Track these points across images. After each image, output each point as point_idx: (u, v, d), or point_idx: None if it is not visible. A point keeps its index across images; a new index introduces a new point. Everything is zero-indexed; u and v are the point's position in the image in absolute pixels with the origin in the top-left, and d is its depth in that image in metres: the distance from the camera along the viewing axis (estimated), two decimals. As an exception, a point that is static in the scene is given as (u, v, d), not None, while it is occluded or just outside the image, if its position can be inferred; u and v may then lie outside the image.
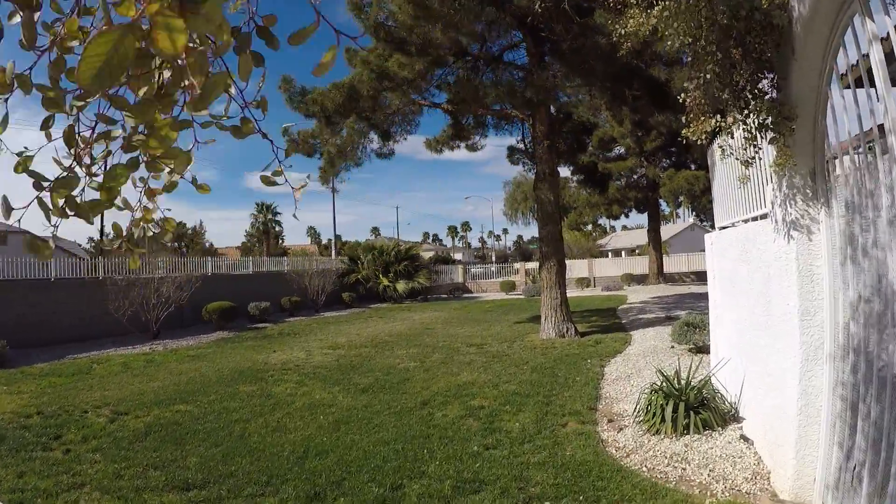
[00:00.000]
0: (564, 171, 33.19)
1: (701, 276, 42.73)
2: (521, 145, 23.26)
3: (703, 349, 13.09)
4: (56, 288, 23.08)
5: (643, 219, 44.87)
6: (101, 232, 59.10)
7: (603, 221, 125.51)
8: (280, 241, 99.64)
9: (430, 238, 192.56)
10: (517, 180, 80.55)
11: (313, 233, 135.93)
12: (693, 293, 32.48)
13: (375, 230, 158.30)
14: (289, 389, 12.01)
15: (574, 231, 65.32)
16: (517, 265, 50.49)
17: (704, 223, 44.83)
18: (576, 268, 46.13)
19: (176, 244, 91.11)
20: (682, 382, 8.16)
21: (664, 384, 8.24)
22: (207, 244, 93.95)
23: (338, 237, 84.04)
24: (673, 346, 14.34)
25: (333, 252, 52.77)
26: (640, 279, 43.79)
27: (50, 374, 14.91)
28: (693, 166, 38.51)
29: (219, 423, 9.57)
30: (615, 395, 10.17)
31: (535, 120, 18.25)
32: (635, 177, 41.85)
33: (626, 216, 44.86)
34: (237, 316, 25.76)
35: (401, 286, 37.24)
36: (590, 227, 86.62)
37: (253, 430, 9.07)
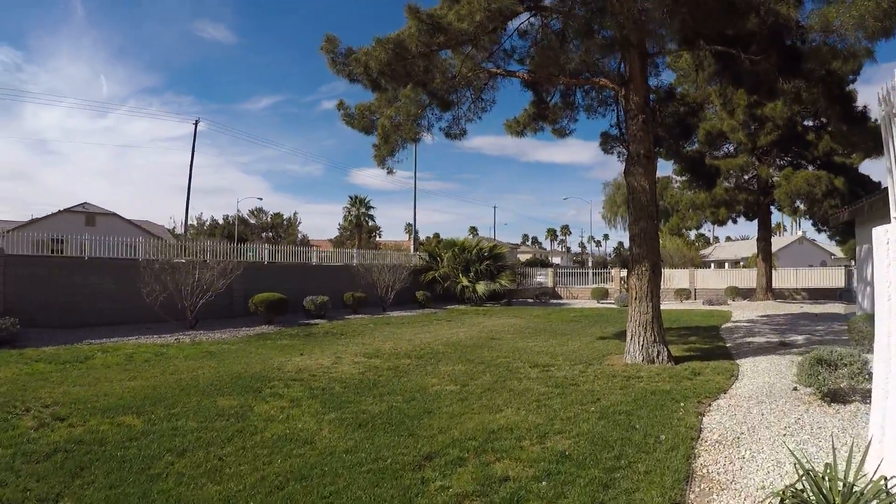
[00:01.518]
0: (666, 169, 29.67)
1: (813, 294, 39.62)
2: (616, 130, 19.73)
3: (839, 397, 9.72)
4: (88, 269, 21.70)
5: (748, 229, 41.03)
6: (186, 216, 58.30)
7: (706, 231, 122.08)
8: (376, 236, 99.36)
9: (529, 240, 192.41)
10: (617, 182, 76.91)
11: (411, 229, 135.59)
12: (807, 313, 28.47)
13: (473, 230, 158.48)
14: (273, 410, 9.47)
15: (675, 237, 61.61)
16: (613, 271, 46.88)
17: (823, 231, 40.01)
18: (675, 277, 42.75)
19: (270, 233, 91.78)
20: (839, 483, 4.68)
21: (806, 484, 4.76)
22: (301, 235, 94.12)
23: (427, 234, 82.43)
24: (796, 388, 10.79)
25: (412, 247, 49.72)
26: (746, 294, 39.78)
27: (43, 360, 14.14)
28: (814, 165, 34.31)
29: (148, 449, 7.53)
30: (717, 478, 6.53)
31: (628, 90, 14.82)
32: (746, 177, 37.48)
33: (734, 221, 40.71)
34: (289, 309, 23.99)
35: (480, 287, 34.22)
36: (692, 233, 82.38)
37: (177, 469, 6.76)
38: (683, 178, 37.90)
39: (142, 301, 19.92)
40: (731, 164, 34.99)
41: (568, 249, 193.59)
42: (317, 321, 23.82)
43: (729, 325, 23.80)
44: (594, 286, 42.81)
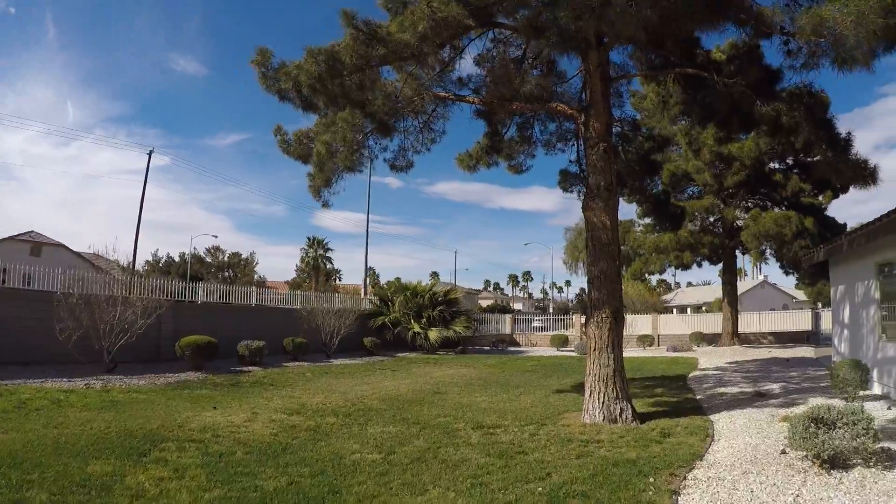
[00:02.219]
0: (628, 214, 28.35)
1: (780, 338, 38.83)
2: (576, 167, 18.20)
3: (839, 461, 8.07)
4: (4, 300, 20.03)
5: (709, 274, 39.45)
6: (135, 250, 55.84)
7: (668, 276, 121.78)
8: (335, 279, 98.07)
9: (491, 286, 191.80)
10: (578, 227, 75.81)
11: (372, 273, 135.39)
12: (777, 358, 27.27)
13: (435, 274, 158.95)
14: (148, 483, 7.52)
15: (637, 282, 60.56)
16: (574, 317, 45.37)
17: (791, 273, 38.73)
18: (638, 323, 41.22)
19: (227, 273, 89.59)
20: None
21: None
22: (258, 276, 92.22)
23: (389, 279, 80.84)
24: (784, 451, 9.13)
25: (363, 290, 47.77)
26: (711, 339, 38.43)
27: None
28: (781, 207, 33.18)
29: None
30: None
31: (588, 116, 13.27)
32: (711, 219, 36.49)
33: (699, 265, 39.60)
34: (222, 354, 21.98)
35: (433, 334, 32.39)
36: (654, 279, 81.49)
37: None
38: (647, 220, 36.68)
39: (56, 339, 17.78)
40: (696, 206, 34.01)
41: (530, 295, 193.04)
42: (250, 368, 21.82)
43: (697, 373, 22.30)
44: (554, 333, 41.21)
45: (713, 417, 12.62)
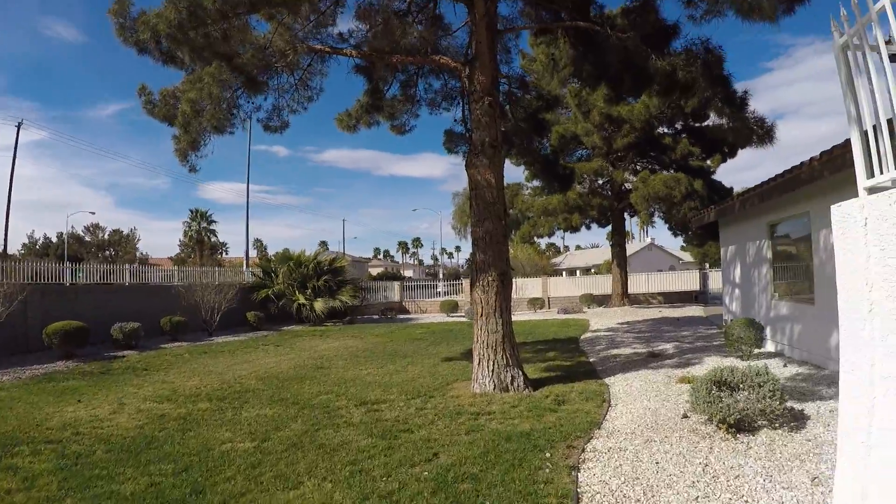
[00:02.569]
0: (517, 175, 27.75)
1: (668, 298, 39.54)
2: (462, 126, 17.36)
3: (744, 424, 7.68)
4: None
5: (597, 237, 39.39)
6: (6, 232, 52.97)
7: (557, 240, 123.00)
8: (221, 253, 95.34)
9: (382, 254, 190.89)
10: (467, 192, 74.57)
11: (260, 245, 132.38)
12: (668, 318, 27.51)
13: (324, 244, 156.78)
14: None
15: (527, 245, 60.51)
16: (464, 282, 44.88)
17: (679, 235, 39.06)
18: (528, 287, 41.20)
19: (109, 251, 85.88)
20: None
21: None
22: (142, 253, 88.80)
23: (277, 250, 78.94)
24: (686, 416, 8.71)
25: (245, 263, 45.86)
26: (602, 300, 38.63)
27: None
28: (670, 170, 33.24)
29: None
30: None
31: (473, 70, 12.41)
32: (600, 181, 36.48)
33: (588, 227, 39.55)
34: (95, 339, 20.33)
35: (319, 305, 31.00)
36: (543, 242, 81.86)
37: None
38: (535, 183, 36.30)
39: None
40: (585, 168, 33.78)
41: (420, 262, 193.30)
42: (125, 353, 19.98)
43: (589, 335, 21.91)
44: (443, 299, 40.52)
45: (608, 381, 12.16)
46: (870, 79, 3.99)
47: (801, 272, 14.12)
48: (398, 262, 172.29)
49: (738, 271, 18.67)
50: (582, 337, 21.16)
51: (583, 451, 7.34)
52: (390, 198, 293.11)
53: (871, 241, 3.92)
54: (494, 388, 11.17)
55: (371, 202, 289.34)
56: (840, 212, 4.27)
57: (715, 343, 17.12)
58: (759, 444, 7.18)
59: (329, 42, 14.52)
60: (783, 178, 12.91)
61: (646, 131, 32.36)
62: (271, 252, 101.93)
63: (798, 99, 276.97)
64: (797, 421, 8.09)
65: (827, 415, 8.38)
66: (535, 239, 41.45)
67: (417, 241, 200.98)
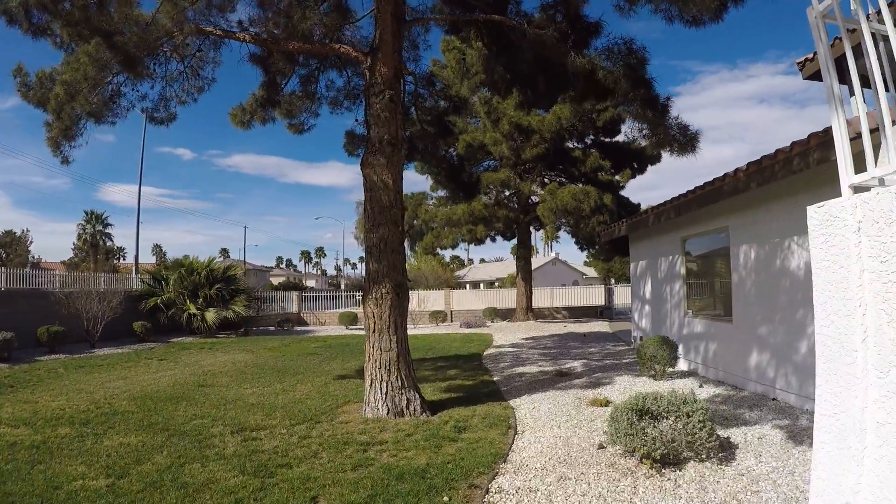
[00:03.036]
0: (421, 183, 26.66)
1: (573, 313, 39.30)
2: (364, 127, 16.22)
3: (671, 459, 6.80)
4: None
5: (502, 251, 38.50)
6: None
7: (462, 253, 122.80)
8: (119, 258, 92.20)
9: (284, 263, 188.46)
10: (370, 200, 73.47)
11: (159, 251, 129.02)
12: (573, 333, 26.84)
13: (225, 251, 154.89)
14: None
15: (429, 257, 59.78)
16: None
17: (586, 249, 38.50)
18: (431, 299, 40.16)
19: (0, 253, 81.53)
20: None
21: None
22: (35, 257, 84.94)
23: (176, 256, 76.22)
24: (603, 447, 7.75)
25: (135, 269, 43.36)
26: (505, 314, 37.92)
27: None
28: (579, 183, 32.57)
29: None
30: None
31: (374, 60, 11.28)
32: (507, 193, 35.53)
33: (493, 240, 38.80)
34: None
35: (210, 315, 29.07)
36: (448, 255, 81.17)
37: None
38: (440, 193, 35.39)
39: None
40: (492, 179, 32.75)
41: (324, 272, 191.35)
42: None
43: (492, 351, 20.93)
44: (342, 311, 39.05)
45: (514, 403, 11.18)
46: (867, 50, 3.06)
47: (718, 289, 13.51)
48: (301, 272, 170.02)
49: (648, 287, 18.08)
50: (485, 353, 20.16)
51: (487, 492, 6.27)
52: (295, 206, 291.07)
53: (867, 252, 2.93)
54: (388, 413, 9.98)
55: (275, 210, 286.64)
56: (821, 214, 3.28)
57: (625, 361, 16.41)
58: (689, 480, 6.31)
59: (223, 25, 13.24)
60: (703, 190, 12.35)
61: (556, 143, 31.67)
62: (170, 258, 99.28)
63: (703, 123, 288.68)
64: (725, 451, 7.29)
65: (755, 443, 7.69)
66: (439, 251, 40.30)
67: (321, 251, 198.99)
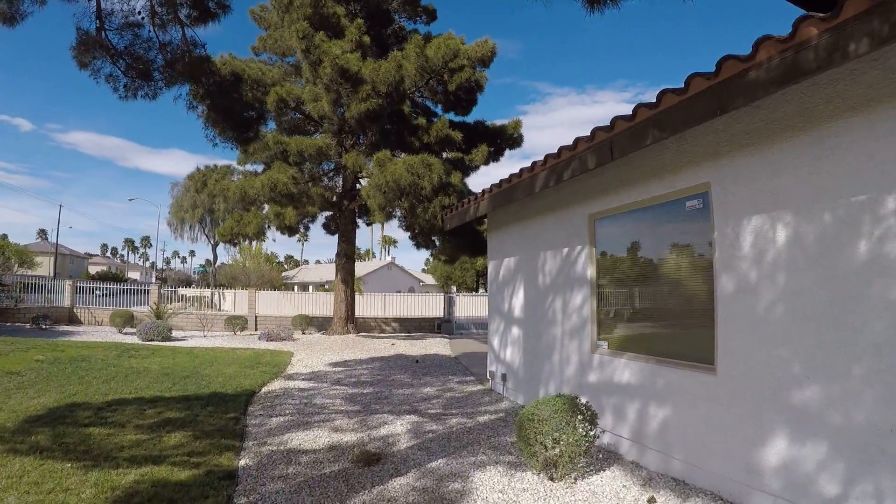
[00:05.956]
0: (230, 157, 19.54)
1: (405, 325, 32.73)
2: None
3: None
4: None
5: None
6: None
7: (296, 253, 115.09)
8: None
9: (110, 252, 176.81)
10: (187, 183, 64.08)
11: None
12: (403, 356, 20.27)
13: (42, 233, 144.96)
14: None
15: (258, 254, 53.45)
16: (151, 288, 35.72)
17: (423, 247, 29.08)
18: (230, 300, 34.41)
19: None
20: None
21: None
22: None
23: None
24: None
25: None
26: (323, 324, 31.12)
27: None
28: (421, 151, 23.91)
29: None
30: None
31: None
32: (326, 168, 28.14)
33: (306, 228, 31.05)
34: None
35: None
36: (282, 252, 73.87)
37: None
38: (249, 167, 28.18)
39: None
40: (305, 145, 24.48)
41: (153, 265, 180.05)
42: None
43: (277, 385, 13.84)
44: (115, 309, 30.47)
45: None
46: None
47: (675, 306, 7.08)
48: (128, 263, 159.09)
49: (519, 299, 11.68)
50: (264, 390, 13.12)
51: None
52: (133, 190, 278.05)
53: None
54: None
55: (110, 194, 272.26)
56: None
57: (483, 419, 9.90)
58: None
59: None
60: (657, 111, 6.38)
61: (393, 100, 23.59)
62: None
63: (550, 143, 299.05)
64: None
65: None
66: (243, 240, 31.56)
67: (146, 241, 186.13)
